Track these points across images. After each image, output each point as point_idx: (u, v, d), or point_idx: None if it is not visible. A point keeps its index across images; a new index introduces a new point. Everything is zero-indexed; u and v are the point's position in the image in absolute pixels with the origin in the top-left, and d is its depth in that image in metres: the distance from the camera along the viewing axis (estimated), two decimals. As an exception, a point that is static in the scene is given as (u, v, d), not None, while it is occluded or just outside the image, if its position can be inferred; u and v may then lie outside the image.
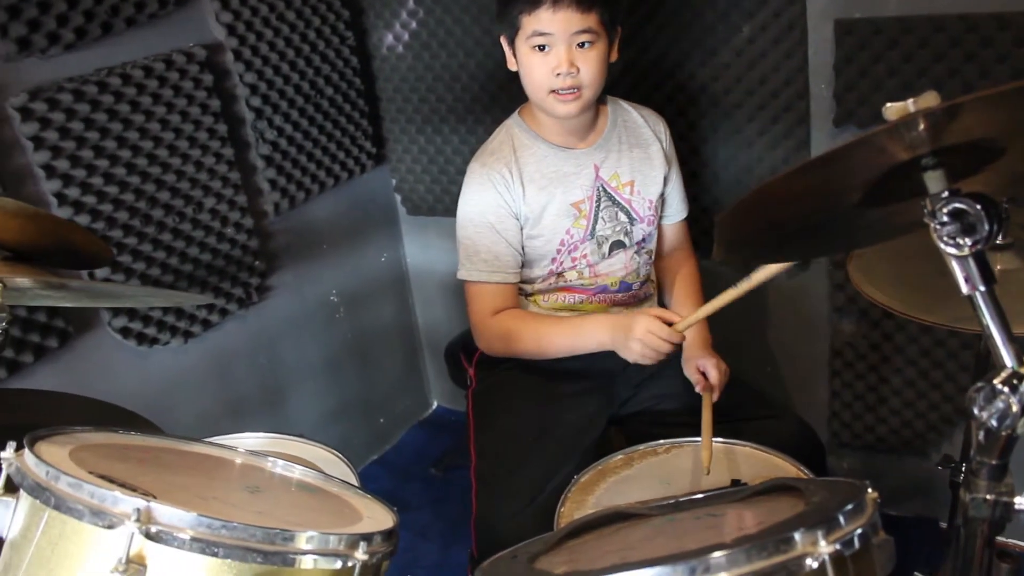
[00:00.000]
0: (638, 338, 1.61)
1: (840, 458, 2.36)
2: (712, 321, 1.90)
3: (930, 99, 0.90)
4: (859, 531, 0.83)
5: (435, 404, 3.14)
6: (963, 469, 1.70)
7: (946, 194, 0.92)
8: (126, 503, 0.88)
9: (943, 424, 2.17)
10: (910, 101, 0.90)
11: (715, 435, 1.56)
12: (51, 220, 1.33)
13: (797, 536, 0.79)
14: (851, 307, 2.14)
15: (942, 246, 0.93)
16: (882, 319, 2.11)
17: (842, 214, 1.03)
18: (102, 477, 0.95)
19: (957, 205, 0.91)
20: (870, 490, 0.90)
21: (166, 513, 0.88)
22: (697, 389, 1.73)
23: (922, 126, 0.88)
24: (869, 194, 0.97)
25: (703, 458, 1.52)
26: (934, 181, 0.93)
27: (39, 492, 0.93)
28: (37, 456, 0.95)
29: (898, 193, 0.97)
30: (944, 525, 2.10)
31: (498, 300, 1.80)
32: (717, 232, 0.99)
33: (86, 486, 0.90)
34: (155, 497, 0.90)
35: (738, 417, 1.68)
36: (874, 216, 1.06)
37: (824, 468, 1.77)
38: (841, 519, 0.84)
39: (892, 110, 0.91)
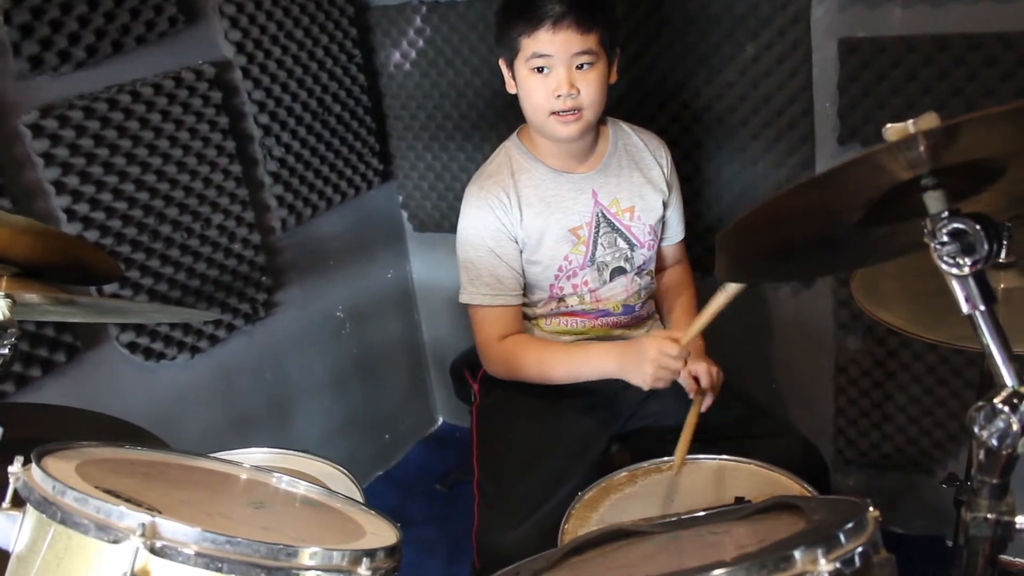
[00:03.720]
0: (651, 359, 1.59)
1: (845, 475, 2.35)
2: (716, 338, 1.90)
3: (930, 120, 0.91)
4: (859, 549, 0.84)
5: (440, 420, 3.14)
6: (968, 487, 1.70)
7: (946, 214, 0.93)
8: (131, 518, 0.88)
9: (948, 442, 2.16)
10: (910, 122, 0.91)
11: (719, 452, 1.56)
12: (60, 237, 1.35)
13: (797, 554, 0.79)
14: (856, 324, 2.14)
15: (942, 266, 0.93)
16: (887, 336, 2.11)
17: (844, 233, 1.04)
18: (108, 492, 0.96)
19: (957, 225, 0.92)
20: (871, 508, 0.90)
21: (171, 528, 0.89)
22: (690, 394, 1.73)
23: (922, 146, 0.89)
24: (870, 213, 0.98)
25: (676, 457, 1.55)
26: (934, 201, 0.94)
27: (45, 506, 0.93)
28: (44, 470, 0.96)
29: (899, 213, 0.98)
30: (950, 543, 2.09)
31: (502, 323, 1.80)
32: (719, 250, 1.00)
33: (92, 500, 0.91)
34: (160, 512, 0.91)
35: (741, 435, 1.68)
36: (876, 235, 1.06)
37: (828, 486, 1.76)
38: (842, 537, 0.84)
39: (892, 131, 0.92)
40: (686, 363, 1.65)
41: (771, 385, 2.38)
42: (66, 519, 0.91)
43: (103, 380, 2.01)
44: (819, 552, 0.80)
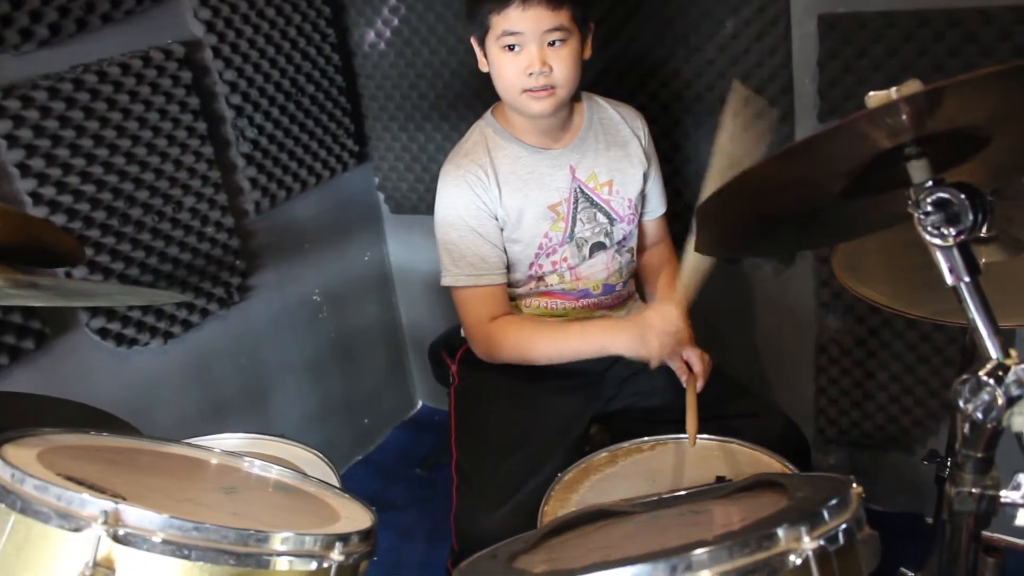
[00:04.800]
0: (657, 331, 1.58)
1: (826, 454, 2.35)
2: (697, 317, 1.89)
3: (913, 86, 0.89)
4: (843, 526, 0.82)
5: (420, 403, 3.12)
6: (948, 464, 1.70)
7: (930, 184, 0.92)
8: (93, 505, 0.86)
9: (929, 419, 2.16)
10: (892, 89, 0.89)
11: (701, 432, 1.55)
12: (19, 217, 1.31)
13: (780, 532, 0.78)
14: (837, 303, 2.13)
15: (926, 236, 0.92)
16: (868, 314, 2.10)
17: (826, 205, 1.02)
18: (71, 479, 0.93)
19: (941, 195, 0.90)
20: (855, 485, 0.88)
21: (135, 515, 0.86)
22: (682, 379, 1.72)
23: (904, 113, 0.87)
24: (853, 184, 0.96)
25: (689, 433, 1.54)
26: (918, 171, 0.92)
27: (4, 495, 0.90)
28: (3, 459, 0.93)
29: (882, 184, 0.96)
30: (931, 520, 2.09)
31: (490, 304, 1.76)
32: (698, 224, 0.98)
33: (52, 488, 0.88)
34: (124, 499, 0.88)
35: (723, 413, 1.67)
36: (858, 208, 1.05)
37: (809, 464, 1.76)
38: (825, 514, 0.82)
39: (875, 98, 0.90)
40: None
41: (752, 364, 2.37)
42: (26, 508, 0.88)
43: (74, 367, 1.97)
44: (803, 529, 0.78)
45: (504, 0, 1.59)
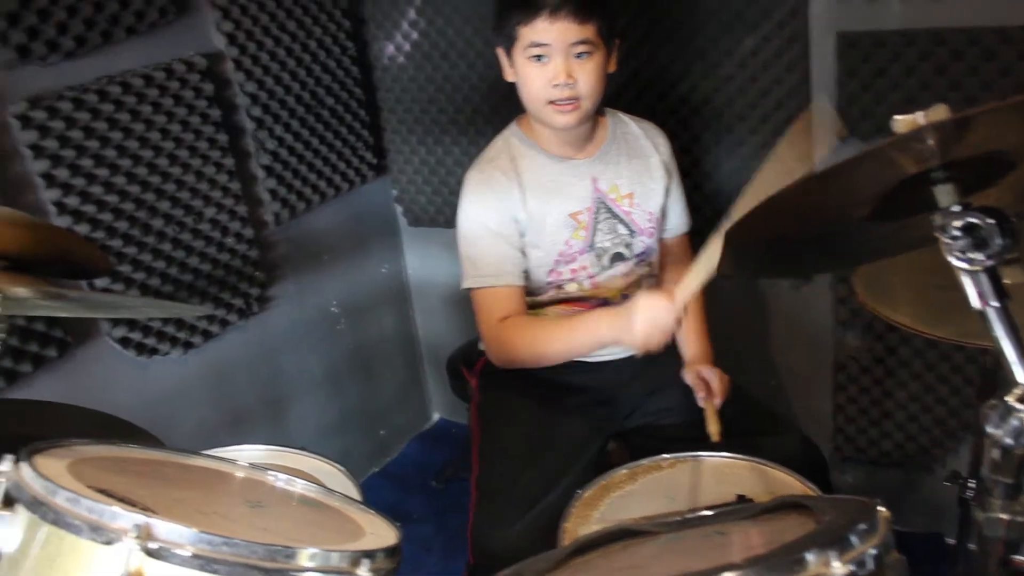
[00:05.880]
0: (642, 318, 1.53)
1: (843, 472, 2.34)
2: (714, 335, 1.89)
3: (940, 112, 0.89)
4: (872, 551, 0.82)
5: (436, 416, 3.12)
6: (971, 485, 1.69)
7: (957, 208, 0.92)
8: (125, 518, 0.86)
9: (948, 439, 2.15)
10: (920, 114, 0.89)
11: (719, 450, 1.55)
12: (50, 229, 1.32)
13: (810, 556, 0.78)
14: (855, 320, 2.13)
15: (953, 261, 0.92)
16: (886, 332, 2.10)
17: (851, 228, 1.02)
18: (101, 491, 0.93)
19: (969, 219, 0.90)
20: (882, 509, 0.88)
21: (166, 529, 0.87)
22: (699, 397, 1.72)
23: (932, 139, 0.88)
24: (878, 208, 0.96)
25: (713, 431, 1.60)
26: (944, 195, 0.92)
27: (37, 507, 0.91)
28: (35, 470, 0.94)
29: (908, 207, 0.96)
30: (951, 541, 2.08)
31: (504, 304, 1.76)
32: (724, 246, 0.98)
33: (84, 501, 0.89)
34: (155, 512, 0.89)
35: (741, 432, 1.67)
36: (883, 231, 1.05)
37: (828, 484, 1.75)
38: (854, 539, 0.82)
39: (901, 123, 0.90)
40: (680, 324, 1.59)
41: (770, 382, 2.37)
42: (58, 520, 0.89)
43: (95, 376, 1.98)
44: (832, 554, 0.78)
45: (532, 12, 1.61)
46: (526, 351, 1.75)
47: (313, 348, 2.58)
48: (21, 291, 1.09)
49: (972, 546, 1.79)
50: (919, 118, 0.88)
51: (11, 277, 1.11)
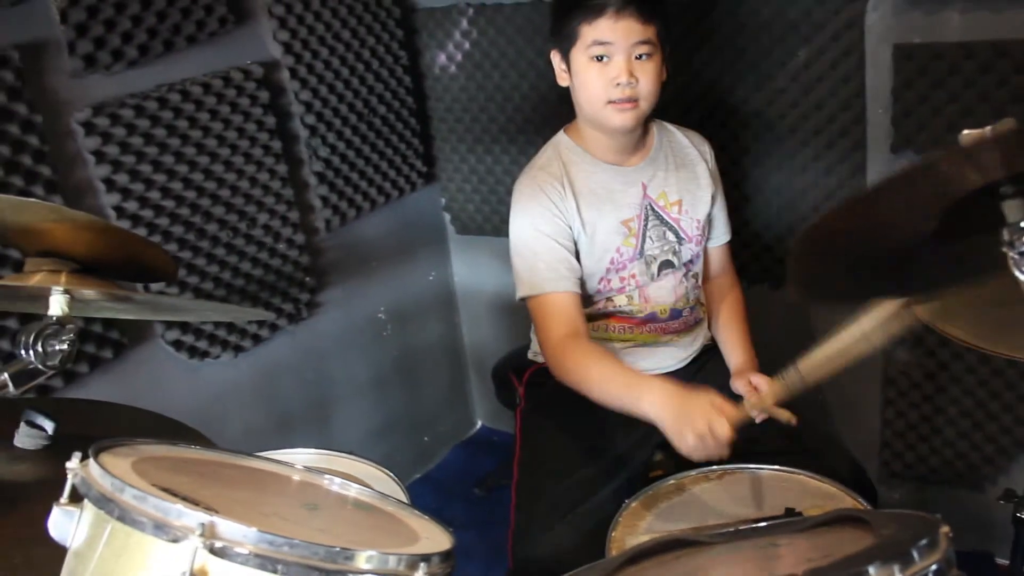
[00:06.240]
0: (698, 432, 1.43)
1: (891, 488, 2.31)
2: (760, 347, 1.88)
3: (1007, 124, 0.89)
4: (934, 567, 0.81)
5: (479, 424, 3.13)
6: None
7: (1025, 223, 0.91)
8: (190, 517, 0.88)
9: (999, 456, 2.12)
10: (988, 128, 0.89)
11: (765, 463, 1.55)
12: (120, 233, 1.35)
13: (872, 570, 0.77)
14: (905, 335, 2.10)
15: (1022, 277, 0.91)
16: (938, 347, 2.07)
17: (918, 250, 1.01)
18: (164, 490, 0.95)
19: (1038, 234, 0.89)
20: (944, 525, 0.87)
21: (229, 528, 0.88)
22: (750, 404, 1.70)
23: (999, 152, 0.87)
24: (945, 225, 0.96)
25: (784, 417, 1.57)
26: (1013, 210, 0.92)
27: (104, 503, 0.93)
28: (102, 467, 0.96)
29: (975, 224, 0.95)
30: (1001, 561, 2.05)
31: (564, 313, 1.72)
32: (789, 271, 0.98)
33: (151, 499, 0.90)
34: (218, 512, 0.90)
35: (788, 448, 1.65)
36: (949, 254, 1.04)
37: (875, 504, 1.72)
38: (915, 554, 0.81)
39: (969, 137, 0.90)
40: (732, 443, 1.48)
41: (817, 396, 2.34)
42: (124, 516, 0.91)
43: (148, 377, 2.02)
44: (895, 568, 0.77)
45: (597, 10, 1.62)
46: (575, 383, 1.69)
47: (360, 354, 2.61)
48: (89, 293, 1.12)
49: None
50: (987, 132, 0.88)
51: (80, 279, 1.14)
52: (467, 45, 2.49)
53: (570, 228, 1.75)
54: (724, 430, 1.42)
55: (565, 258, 1.74)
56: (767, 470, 1.54)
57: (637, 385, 1.59)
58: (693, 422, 1.44)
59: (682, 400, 1.49)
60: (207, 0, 1.97)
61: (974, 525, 2.21)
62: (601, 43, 1.64)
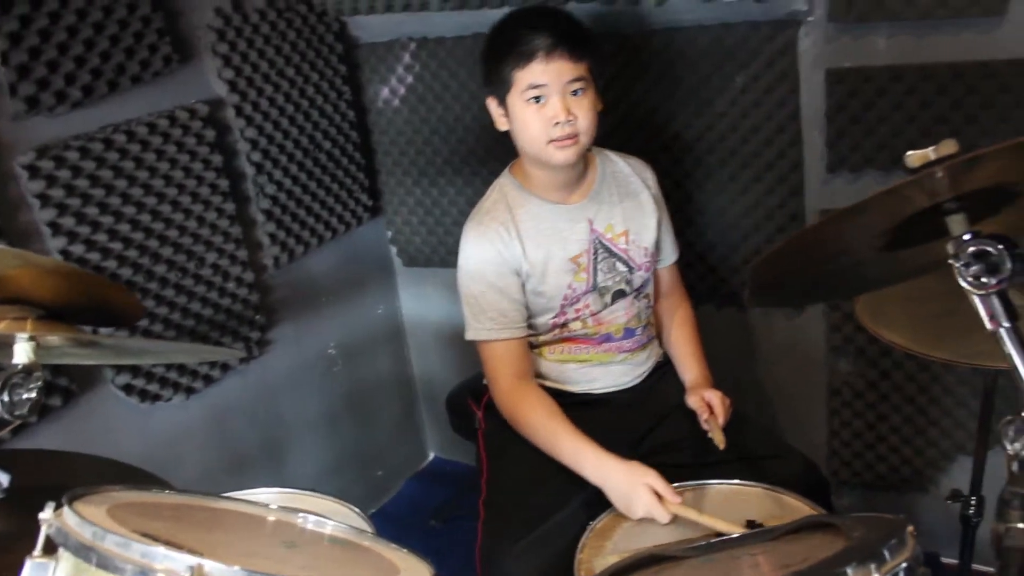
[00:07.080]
0: (647, 508, 1.51)
1: (839, 496, 2.37)
2: (710, 363, 1.93)
3: (948, 146, 0.94)
4: (904, 565, 0.85)
5: (431, 455, 3.12)
6: (973, 503, 1.74)
7: (968, 236, 0.96)
8: (177, 561, 0.88)
9: (942, 459, 2.20)
10: (930, 149, 0.95)
11: (723, 475, 1.60)
12: (87, 278, 1.33)
13: (850, 571, 0.81)
14: (848, 346, 2.17)
15: (966, 286, 0.96)
16: (879, 357, 2.14)
17: (865, 259, 1.07)
18: (145, 535, 0.95)
19: (981, 246, 0.95)
20: (909, 525, 0.92)
21: (217, 570, 0.88)
22: (702, 419, 1.75)
23: (943, 173, 0.93)
24: (893, 239, 1.01)
25: (718, 440, 1.65)
26: (956, 224, 0.97)
27: (83, 552, 0.92)
28: (79, 515, 0.95)
29: (921, 236, 1.01)
30: (948, 560, 2.12)
31: (509, 357, 1.80)
32: (750, 279, 1.02)
33: (135, 544, 0.90)
34: (202, 554, 0.90)
35: (745, 455, 1.70)
36: (893, 259, 1.09)
37: (830, 505, 1.78)
38: (886, 553, 0.85)
39: (913, 158, 0.95)
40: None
41: (765, 408, 2.41)
42: (108, 564, 0.90)
43: (98, 423, 1.99)
44: (871, 567, 0.81)
45: (527, 56, 1.66)
46: (522, 431, 1.76)
47: (311, 390, 2.59)
48: (55, 339, 1.11)
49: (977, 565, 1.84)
50: (930, 153, 0.93)
51: (46, 325, 1.13)
52: (410, 79, 2.51)
53: (518, 273, 1.79)
54: (665, 516, 1.50)
55: (509, 308, 1.79)
56: (726, 485, 1.58)
57: (581, 454, 1.66)
58: (635, 500, 1.53)
59: (624, 483, 1.57)
60: (151, 39, 1.96)
61: (920, 527, 2.27)
62: (536, 86, 1.67)
